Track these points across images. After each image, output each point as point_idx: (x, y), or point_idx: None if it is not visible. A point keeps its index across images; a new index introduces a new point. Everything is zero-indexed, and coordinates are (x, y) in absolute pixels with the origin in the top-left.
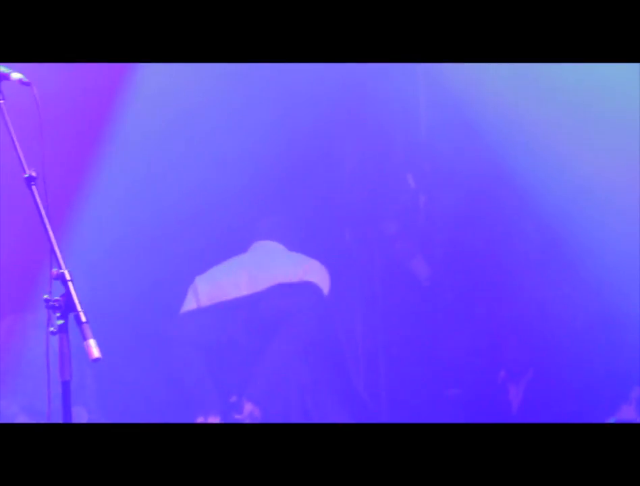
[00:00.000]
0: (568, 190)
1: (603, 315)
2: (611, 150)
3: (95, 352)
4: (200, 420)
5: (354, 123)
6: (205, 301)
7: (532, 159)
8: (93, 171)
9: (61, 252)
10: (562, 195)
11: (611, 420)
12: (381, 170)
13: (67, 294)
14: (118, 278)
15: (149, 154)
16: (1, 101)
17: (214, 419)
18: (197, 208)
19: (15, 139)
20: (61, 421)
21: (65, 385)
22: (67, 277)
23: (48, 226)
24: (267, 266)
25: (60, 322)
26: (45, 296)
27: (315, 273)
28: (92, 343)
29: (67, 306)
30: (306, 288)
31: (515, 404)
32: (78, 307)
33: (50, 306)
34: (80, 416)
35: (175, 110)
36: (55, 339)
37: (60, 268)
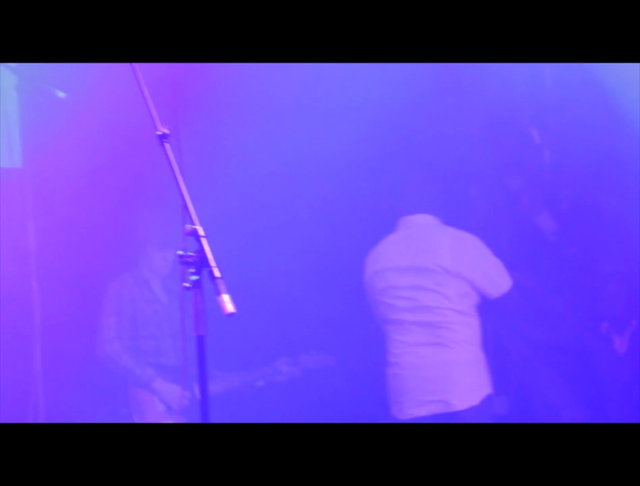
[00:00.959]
0: None
1: None
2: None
3: (229, 307)
4: None
5: (479, 79)
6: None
7: None
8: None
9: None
10: None
11: None
12: (506, 125)
13: (201, 250)
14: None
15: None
16: None
17: None
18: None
19: (148, 97)
20: (197, 376)
21: (200, 340)
22: (201, 233)
23: (181, 183)
24: (423, 241)
25: (194, 278)
26: (179, 252)
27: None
28: (225, 298)
29: (201, 262)
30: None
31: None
32: (212, 263)
33: (184, 262)
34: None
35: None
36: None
37: (193, 224)
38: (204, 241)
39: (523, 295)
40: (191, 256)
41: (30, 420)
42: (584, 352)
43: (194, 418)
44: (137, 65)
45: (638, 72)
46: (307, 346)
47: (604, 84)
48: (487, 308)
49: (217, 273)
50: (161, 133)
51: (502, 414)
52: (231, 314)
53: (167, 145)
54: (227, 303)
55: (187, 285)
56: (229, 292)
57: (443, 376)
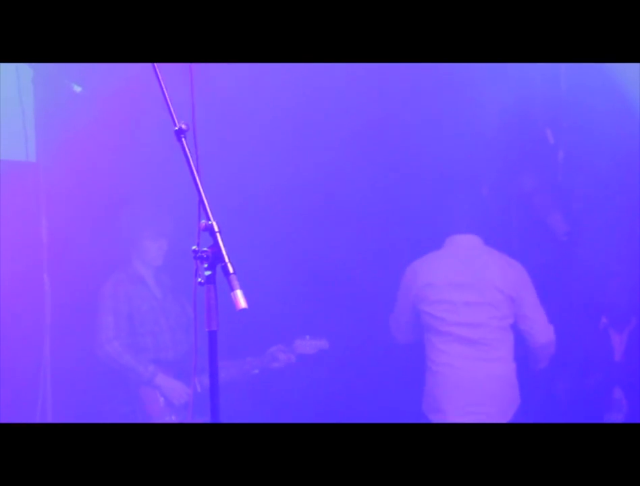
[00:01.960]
0: None
1: None
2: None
3: (242, 303)
4: None
5: (495, 79)
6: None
7: None
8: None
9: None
10: None
11: None
12: (520, 125)
13: (215, 245)
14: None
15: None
16: None
17: None
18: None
19: (166, 93)
20: (208, 373)
21: (212, 335)
22: (216, 228)
23: (197, 178)
24: (475, 261)
25: (208, 273)
26: (193, 247)
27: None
28: (239, 293)
29: (214, 257)
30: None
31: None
32: (226, 258)
33: (199, 257)
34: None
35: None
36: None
37: (209, 220)
38: (219, 237)
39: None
40: (205, 251)
41: (37, 419)
42: (584, 349)
43: (200, 413)
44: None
45: None
46: (301, 332)
47: (619, 84)
48: None
49: (230, 269)
50: (178, 128)
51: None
52: (243, 310)
53: (184, 141)
54: (241, 298)
55: (201, 280)
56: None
57: (484, 389)
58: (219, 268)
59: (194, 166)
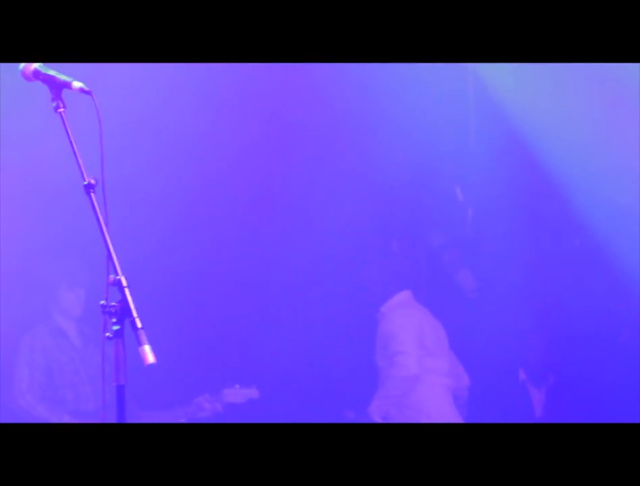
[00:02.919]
0: (616, 201)
1: (629, 329)
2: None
3: (150, 358)
4: None
5: (403, 135)
6: None
7: (580, 167)
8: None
9: (118, 258)
10: (609, 205)
11: None
12: (430, 182)
13: (124, 300)
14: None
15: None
16: (62, 110)
17: None
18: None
19: (75, 147)
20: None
21: (120, 389)
22: (124, 283)
23: (106, 233)
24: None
25: (116, 327)
26: (102, 302)
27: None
28: (147, 348)
29: (123, 312)
30: None
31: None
32: (134, 313)
33: (107, 312)
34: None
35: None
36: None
37: (117, 274)
38: (127, 292)
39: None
40: (113, 306)
41: None
42: (502, 404)
43: None
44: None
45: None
46: (229, 381)
47: (528, 140)
48: None
49: (138, 324)
50: (87, 183)
51: None
52: (151, 365)
53: (92, 195)
54: (148, 354)
55: (109, 334)
56: (147, 336)
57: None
58: (127, 322)
59: (103, 220)
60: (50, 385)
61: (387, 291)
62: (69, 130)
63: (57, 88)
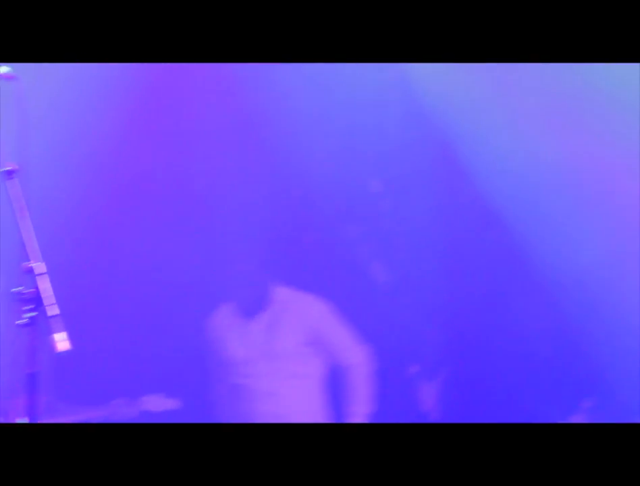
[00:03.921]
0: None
1: (556, 325)
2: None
3: (62, 345)
4: None
5: (320, 125)
6: None
7: (503, 164)
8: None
9: (35, 244)
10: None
11: None
12: (345, 174)
13: (38, 288)
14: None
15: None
16: None
17: None
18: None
19: None
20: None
21: (32, 377)
22: (39, 270)
23: (24, 219)
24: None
25: (32, 314)
26: (17, 289)
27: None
28: (59, 336)
29: (37, 299)
30: None
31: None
32: (49, 300)
33: (21, 299)
34: None
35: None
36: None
37: (31, 261)
38: (42, 279)
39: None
40: (28, 293)
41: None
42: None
43: None
44: None
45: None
46: (149, 388)
47: (448, 127)
48: None
49: (52, 311)
50: (6, 169)
51: None
52: (64, 352)
53: (11, 181)
54: (61, 341)
55: (23, 321)
56: (67, 329)
57: None
58: (42, 309)
59: (19, 206)
60: None
61: (299, 284)
62: None
63: None
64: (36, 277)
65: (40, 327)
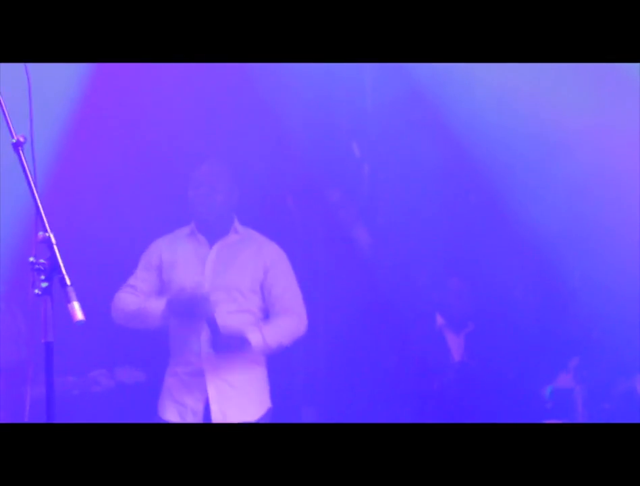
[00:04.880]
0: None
1: (545, 286)
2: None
3: (79, 315)
4: None
5: (299, 90)
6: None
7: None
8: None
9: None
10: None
11: (549, 389)
12: (326, 138)
13: (53, 257)
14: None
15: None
16: None
17: None
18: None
19: (3, 105)
20: (44, 384)
21: (48, 346)
22: (53, 240)
23: (34, 189)
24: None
25: (45, 284)
26: (30, 259)
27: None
28: (76, 305)
29: (52, 269)
30: None
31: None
32: (63, 270)
33: (35, 269)
34: None
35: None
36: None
37: (46, 231)
38: (56, 249)
39: (342, 304)
40: (42, 263)
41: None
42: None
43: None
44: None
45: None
46: (122, 360)
47: (427, 88)
48: None
49: (67, 281)
50: (15, 140)
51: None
52: (80, 322)
53: (21, 152)
54: (77, 310)
55: (38, 291)
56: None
57: None
58: (56, 280)
59: (32, 177)
60: None
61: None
62: None
63: None
64: (53, 246)
65: (54, 297)
